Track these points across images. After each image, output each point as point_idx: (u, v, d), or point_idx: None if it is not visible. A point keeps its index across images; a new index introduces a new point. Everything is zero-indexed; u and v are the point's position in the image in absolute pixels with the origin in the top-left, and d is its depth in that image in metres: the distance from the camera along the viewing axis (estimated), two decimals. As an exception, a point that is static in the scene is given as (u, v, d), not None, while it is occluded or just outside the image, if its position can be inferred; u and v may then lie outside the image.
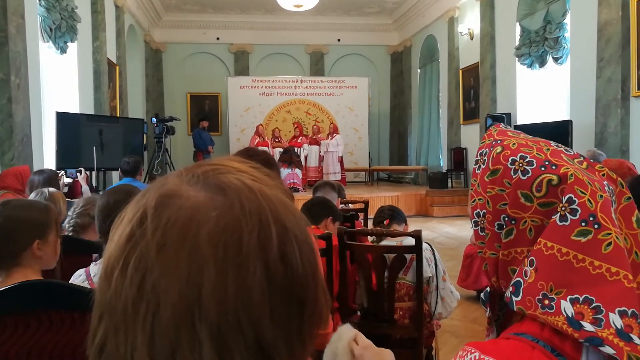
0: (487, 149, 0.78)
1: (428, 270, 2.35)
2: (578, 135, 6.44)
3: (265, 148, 9.67)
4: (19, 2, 5.09)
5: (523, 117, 8.03)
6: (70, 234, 2.22)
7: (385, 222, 2.80)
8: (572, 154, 0.74)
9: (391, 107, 13.67)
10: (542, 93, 7.80)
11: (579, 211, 0.64)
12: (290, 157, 9.59)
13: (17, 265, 1.43)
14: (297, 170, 9.71)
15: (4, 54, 4.83)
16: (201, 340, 0.38)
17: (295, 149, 10.35)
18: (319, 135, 11.04)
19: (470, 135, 9.55)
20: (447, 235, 7.38)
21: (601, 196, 0.64)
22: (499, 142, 0.77)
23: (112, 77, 8.52)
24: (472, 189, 0.79)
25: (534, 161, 0.70)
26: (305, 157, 10.61)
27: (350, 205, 4.31)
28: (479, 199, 0.77)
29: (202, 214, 0.40)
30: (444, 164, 10.89)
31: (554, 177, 0.67)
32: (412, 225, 3.07)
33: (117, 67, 8.87)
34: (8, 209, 1.44)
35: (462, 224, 8.02)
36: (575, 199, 0.64)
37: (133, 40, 10.55)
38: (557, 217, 0.65)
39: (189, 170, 0.44)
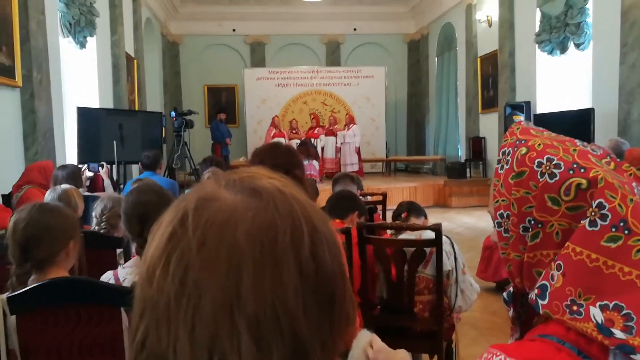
0: (510, 149, 0.76)
1: (448, 264, 2.35)
2: (600, 123, 6.30)
3: (282, 139, 9.69)
4: (39, -1, 5.16)
5: (543, 106, 7.87)
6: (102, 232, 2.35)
7: (403, 214, 2.81)
8: (599, 153, 0.72)
9: (408, 96, 13.53)
10: (563, 80, 7.63)
11: (609, 216, 0.62)
12: (307, 149, 9.59)
13: (54, 264, 1.51)
14: (315, 162, 9.72)
15: (25, 51, 4.89)
16: (240, 330, 0.40)
17: (312, 140, 10.35)
18: (335, 126, 11.01)
19: (489, 124, 9.41)
20: (465, 225, 7.33)
21: (632, 200, 0.63)
22: (523, 142, 0.74)
23: (130, 70, 8.59)
24: (494, 189, 0.77)
25: (562, 164, 0.68)
26: (322, 149, 10.60)
27: (368, 197, 4.28)
28: (503, 200, 0.75)
29: (240, 214, 0.43)
30: (462, 153, 10.77)
31: (583, 181, 0.65)
32: (430, 216, 3.06)
33: (135, 61, 8.95)
34: (47, 212, 1.54)
35: (480, 214, 7.94)
36: (606, 204, 0.63)
37: (150, 34, 10.62)
38: (586, 222, 0.64)
39: (225, 177, 0.48)
